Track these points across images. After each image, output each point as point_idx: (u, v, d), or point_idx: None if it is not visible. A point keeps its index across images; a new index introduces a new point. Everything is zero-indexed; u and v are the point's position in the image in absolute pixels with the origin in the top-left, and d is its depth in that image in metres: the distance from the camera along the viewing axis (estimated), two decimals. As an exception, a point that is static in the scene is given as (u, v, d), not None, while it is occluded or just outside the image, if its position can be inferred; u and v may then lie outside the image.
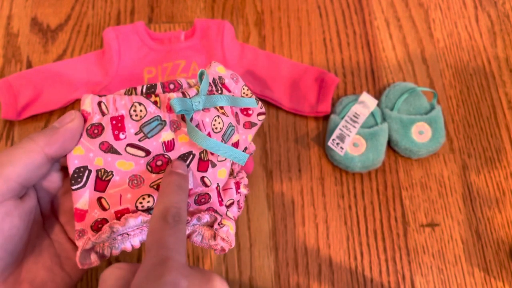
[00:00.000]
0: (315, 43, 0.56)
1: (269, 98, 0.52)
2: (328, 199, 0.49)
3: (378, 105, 0.52)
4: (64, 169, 0.30)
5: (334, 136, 0.48)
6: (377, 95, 0.54)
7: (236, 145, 0.34)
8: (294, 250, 0.47)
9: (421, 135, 0.49)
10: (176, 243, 0.24)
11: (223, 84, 0.34)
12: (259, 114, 0.36)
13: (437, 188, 0.50)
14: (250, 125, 0.35)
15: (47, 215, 0.30)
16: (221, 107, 0.32)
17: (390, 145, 0.51)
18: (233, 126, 0.33)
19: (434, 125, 0.50)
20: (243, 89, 0.35)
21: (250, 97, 0.35)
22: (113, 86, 0.51)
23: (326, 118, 0.52)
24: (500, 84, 0.55)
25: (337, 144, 0.48)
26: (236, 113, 0.35)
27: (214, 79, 0.33)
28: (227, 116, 0.32)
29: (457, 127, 0.53)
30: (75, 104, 0.52)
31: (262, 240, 0.47)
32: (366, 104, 0.50)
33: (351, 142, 0.49)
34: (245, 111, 0.35)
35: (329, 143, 0.48)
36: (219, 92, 0.33)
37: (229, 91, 0.34)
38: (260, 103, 0.35)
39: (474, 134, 0.52)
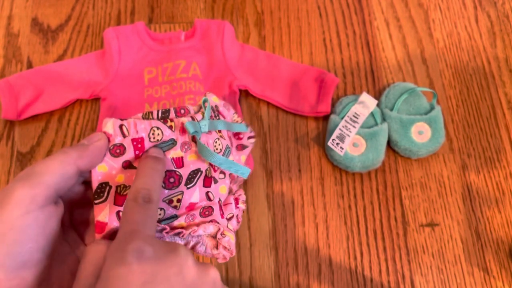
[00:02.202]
0: (315, 43, 0.56)
1: (269, 98, 0.52)
2: (328, 199, 0.49)
3: (378, 105, 0.52)
4: (84, 183, 0.33)
5: (334, 136, 0.48)
6: (377, 95, 0.54)
7: None
8: (294, 250, 0.47)
9: (421, 135, 0.50)
10: (145, 219, 0.27)
11: (218, 112, 0.38)
12: (249, 137, 0.40)
13: (436, 188, 0.50)
14: (242, 147, 0.40)
15: (66, 225, 0.32)
16: (220, 131, 0.36)
17: (390, 145, 0.51)
18: (229, 148, 0.37)
19: (433, 125, 0.50)
20: (234, 116, 0.40)
21: (240, 123, 0.39)
22: (113, 86, 0.51)
23: (326, 118, 0.52)
24: (500, 84, 0.55)
25: (337, 144, 0.48)
26: (230, 136, 0.39)
27: (212, 106, 0.37)
28: (224, 139, 0.36)
29: (457, 127, 0.53)
30: (75, 104, 0.52)
31: (262, 240, 0.47)
32: (366, 104, 0.51)
33: (351, 142, 0.49)
34: (237, 135, 0.40)
35: (329, 143, 0.48)
36: (217, 117, 0.37)
37: (224, 117, 0.39)
38: (249, 127, 0.40)
39: (474, 134, 0.52)
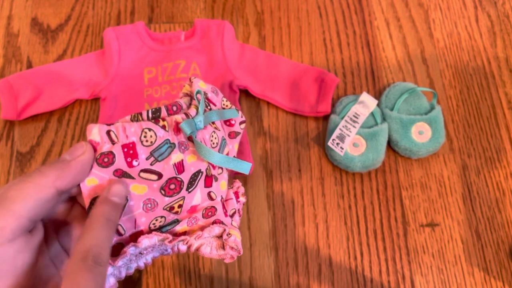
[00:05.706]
0: (315, 43, 0.56)
1: (269, 98, 0.52)
2: (328, 199, 0.49)
3: (378, 105, 0.52)
4: (71, 198, 0.30)
5: (334, 136, 0.48)
6: (377, 95, 0.54)
7: None
8: (294, 250, 0.47)
9: (421, 135, 0.49)
10: None
11: (208, 99, 0.34)
12: (241, 123, 0.37)
13: (437, 188, 0.50)
14: (235, 134, 0.36)
15: (53, 244, 0.29)
16: (213, 122, 0.33)
17: (390, 145, 0.51)
18: (224, 139, 0.34)
19: (434, 125, 0.50)
20: (223, 100, 0.36)
21: (230, 107, 0.36)
22: (113, 86, 0.51)
23: (326, 118, 0.52)
24: (500, 84, 0.55)
25: (337, 144, 0.48)
26: (221, 124, 0.36)
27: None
28: (219, 130, 0.33)
29: (457, 127, 0.53)
30: (75, 104, 0.52)
31: (262, 240, 0.47)
32: (366, 104, 0.50)
33: (351, 142, 0.49)
34: (228, 121, 0.36)
35: (329, 143, 0.48)
36: (209, 108, 0.34)
37: (214, 105, 0.35)
38: (240, 112, 0.37)
39: (474, 134, 0.52)
